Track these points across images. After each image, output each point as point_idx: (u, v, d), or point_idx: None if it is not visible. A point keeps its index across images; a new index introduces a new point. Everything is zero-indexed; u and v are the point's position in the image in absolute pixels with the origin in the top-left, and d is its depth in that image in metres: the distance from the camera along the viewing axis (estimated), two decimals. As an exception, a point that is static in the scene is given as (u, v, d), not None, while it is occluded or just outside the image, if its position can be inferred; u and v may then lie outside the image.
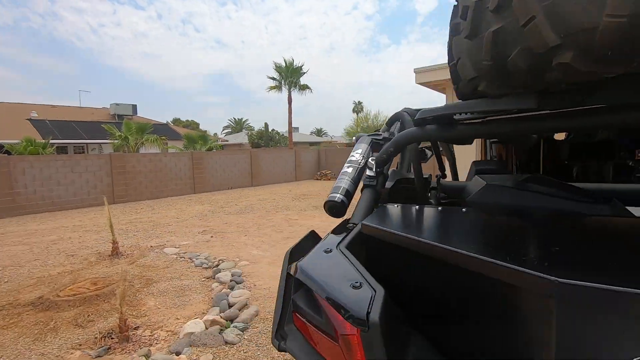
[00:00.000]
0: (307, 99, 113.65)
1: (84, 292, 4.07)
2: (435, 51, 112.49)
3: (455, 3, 0.86)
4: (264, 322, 3.35)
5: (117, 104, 24.70)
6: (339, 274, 0.75)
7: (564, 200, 0.88)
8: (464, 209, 0.96)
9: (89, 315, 3.55)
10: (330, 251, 0.82)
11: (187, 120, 50.79)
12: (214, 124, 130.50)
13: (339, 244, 0.84)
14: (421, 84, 6.43)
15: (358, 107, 47.67)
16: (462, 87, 0.92)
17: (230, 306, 3.63)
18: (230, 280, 4.33)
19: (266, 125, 30.59)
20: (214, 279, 4.53)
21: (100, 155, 13.45)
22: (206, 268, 4.99)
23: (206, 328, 3.19)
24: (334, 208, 1.04)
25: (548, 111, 0.84)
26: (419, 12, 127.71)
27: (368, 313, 0.64)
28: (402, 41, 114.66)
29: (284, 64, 24.89)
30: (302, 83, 25.45)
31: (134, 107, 25.23)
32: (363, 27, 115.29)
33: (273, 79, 25.26)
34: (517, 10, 0.66)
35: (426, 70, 6.19)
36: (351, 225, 0.97)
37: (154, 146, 15.17)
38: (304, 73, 25.36)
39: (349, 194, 1.06)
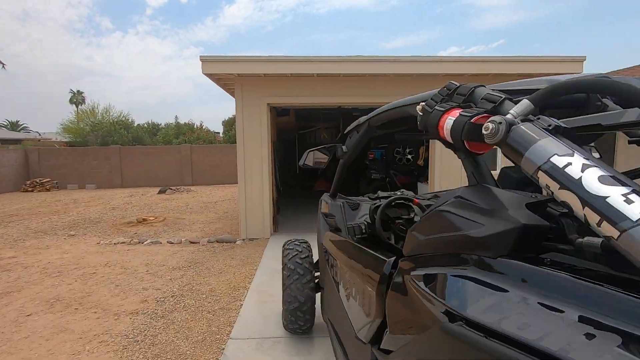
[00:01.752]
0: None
1: None
2: (169, 49, 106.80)
3: None
4: None
5: None
6: None
7: None
8: None
9: None
10: None
11: None
12: None
13: None
14: (209, 75, 5.45)
15: (78, 98, 38.51)
16: None
17: None
18: None
19: None
20: None
21: None
22: None
23: None
24: None
25: None
26: (148, 4, 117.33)
27: None
28: (130, 30, 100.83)
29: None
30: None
31: None
32: (76, 2, 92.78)
33: None
34: None
35: (216, 60, 5.22)
36: None
37: None
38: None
39: None
